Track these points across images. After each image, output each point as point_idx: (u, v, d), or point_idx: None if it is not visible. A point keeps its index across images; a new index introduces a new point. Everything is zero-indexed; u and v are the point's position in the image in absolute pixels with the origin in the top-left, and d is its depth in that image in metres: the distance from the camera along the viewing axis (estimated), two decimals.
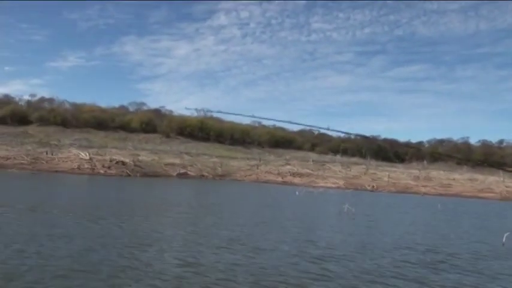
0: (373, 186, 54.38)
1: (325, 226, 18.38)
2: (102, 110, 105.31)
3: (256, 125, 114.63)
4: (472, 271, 11.02)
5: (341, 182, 55.87)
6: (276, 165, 67.35)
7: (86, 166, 49.63)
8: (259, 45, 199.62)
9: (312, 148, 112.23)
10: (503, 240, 14.92)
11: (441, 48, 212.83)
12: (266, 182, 55.46)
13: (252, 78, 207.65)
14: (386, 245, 14.06)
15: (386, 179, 59.40)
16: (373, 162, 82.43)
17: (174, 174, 53.31)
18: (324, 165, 71.78)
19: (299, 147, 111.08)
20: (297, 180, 57.36)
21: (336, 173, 64.34)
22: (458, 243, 15.34)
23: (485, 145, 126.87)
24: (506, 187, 56.12)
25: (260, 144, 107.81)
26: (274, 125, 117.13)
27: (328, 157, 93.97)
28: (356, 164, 79.87)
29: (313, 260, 10.95)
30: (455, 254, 13.04)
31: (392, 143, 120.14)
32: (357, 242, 14.21)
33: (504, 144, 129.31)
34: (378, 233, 17.02)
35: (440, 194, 52.76)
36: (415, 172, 69.22)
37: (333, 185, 53.94)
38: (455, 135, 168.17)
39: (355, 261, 11.17)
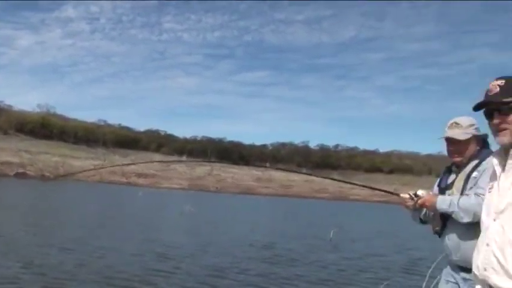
0: (217, 187, 55.49)
1: (167, 226, 18.45)
2: None
3: (102, 123, 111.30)
4: (306, 263, 11.84)
5: (185, 183, 56.29)
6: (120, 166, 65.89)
7: None
8: (109, 42, 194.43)
9: (158, 149, 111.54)
10: (331, 235, 16.21)
11: (286, 56, 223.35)
12: (110, 182, 54.09)
13: (99, 75, 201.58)
14: (228, 243, 14.51)
15: (230, 180, 60.88)
16: (218, 164, 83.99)
17: (11, 174, 49.87)
18: (169, 165, 71.66)
19: (145, 148, 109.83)
20: (141, 181, 56.76)
21: (181, 174, 64.64)
22: (294, 240, 16.33)
23: (323, 149, 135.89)
24: (339, 187, 60.37)
25: (105, 144, 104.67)
26: (119, 124, 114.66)
27: (174, 158, 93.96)
28: (201, 165, 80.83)
29: (159, 258, 10.99)
30: (291, 249, 13.87)
31: (238, 145, 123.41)
32: (199, 241, 14.46)
33: (339, 148, 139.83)
34: (219, 232, 17.48)
35: (280, 195, 55.26)
36: (258, 174, 71.73)
37: (177, 186, 54.16)
38: (297, 139, 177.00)
39: (200, 258, 11.39)
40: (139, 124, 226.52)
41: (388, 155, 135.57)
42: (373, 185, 3.97)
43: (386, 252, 15.04)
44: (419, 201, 3.25)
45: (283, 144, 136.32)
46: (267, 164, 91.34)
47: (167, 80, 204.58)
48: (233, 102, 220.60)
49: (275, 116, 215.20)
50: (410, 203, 3.30)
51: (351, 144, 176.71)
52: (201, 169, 71.82)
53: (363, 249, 15.03)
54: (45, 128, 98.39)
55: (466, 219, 3.00)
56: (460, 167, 3.29)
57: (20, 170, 51.93)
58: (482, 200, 2.70)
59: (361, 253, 14.22)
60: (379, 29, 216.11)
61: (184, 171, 66.98)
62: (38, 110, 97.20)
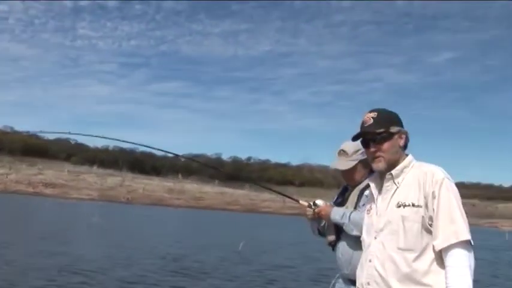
0: (128, 198, 54.51)
1: (73, 239, 17.93)
2: None
3: (8, 130, 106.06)
4: (215, 275, 11.93)
5: (95, 194, 54.86)
6: (27, 175, 63.17)
7: None
8: (18, 44, 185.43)
9: (68, 158, 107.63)
10: (240, 247, 16.44)
11: (202, 68, 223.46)
12: (15, 192, 51.66)
13: (6, 79, 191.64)
14: (138, 255, 14.37)
15: (141, 191, 59.99)
16: (130, 174, 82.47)
17: None
18: (78, 175, 69.52)
19: (54, 157, 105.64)
20: (49, 191, 54.71)
21: (91, 184, 62.94)
22: (204, 251, 16.40)
23: (236, 161, 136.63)
24: (251, 200, 61.04)
25: (11, 152, 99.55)
26: (27, 132, 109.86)
27: (84, 168, 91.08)
28: (112, 175, 78.98)
29: (64, 272, 10.69)
30: (201, 261, 13.94)
31: (150, 155, 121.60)
32: (107, 253, 14.22)
33: (252, 160, 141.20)
34: (128, 244, 17.22)
35: (192, 206, 55.12)
36: (170, 185, 71.16)
37: (87, 197, 52.69)
38: (209, 151, 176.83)
39: (109, 271, 11.20)
40: (48, 133, 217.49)
41: (300, 168, 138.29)
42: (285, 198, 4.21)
43: (295, 263, 15.46)
44: (316, 210, 3.45)
45: (195, 156, 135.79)
46: (179, 176, 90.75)
47: (79, 88, 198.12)
48: (147, 112, 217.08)
49: (188, 127, 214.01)
50: (310, 211, 3.50)
51: (263, 157, 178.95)
52: (112, 180, 70.24)
53: (271, 261, 15.33)
54: None
55: (355, 232, 3.17)
56: (354, 186, 3.48)
57: None
58: None
59: (270, 264, 14.51)
60: (294, 45, 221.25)
61: (94, 182, 65.24)
62: None
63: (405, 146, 2.60)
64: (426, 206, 2.39)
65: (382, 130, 2.52)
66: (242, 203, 60.71)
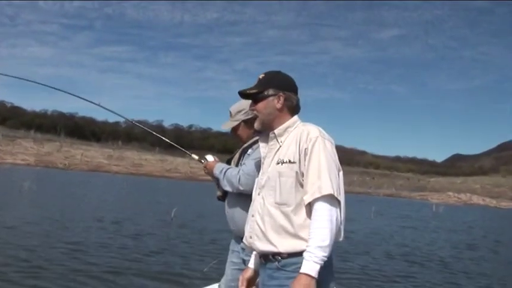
0: (65, 164, 53.72)
1: (2, 205, 17.49)
2: None
3: None
4: (150, 237, 12.39)
5: (32, 159, 53.77)
6: None
7: None
8: None
9: (3, 121, 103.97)
10: (172, 214, 16.83)
11: (148, 33, 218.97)
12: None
13: None
14: (74, 218, 14.57)
15: (79, 157, 59.18)
16: (68, 140, 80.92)
17: None
18: (14, 140, 67.71)
19: None
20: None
21: (27, 149, 61.56)
22: (139, 217, 16.78)
23: (177, 128, 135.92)
24: (191, 168, 61.25)
25: None
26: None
27: (21, 132, 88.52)
28: (50, 140, 77.26)
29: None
30: (138, 225, 14.34)
31: (90, 121, 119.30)
32: (38, 218, 14.30)
33: (193, 128, 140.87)
34: (63, 208, 17.25)
35: (131, 173, 54.92)
36: (109, 151, 70.36)
37: (22, 162, 51.59)
38: (152, 118, 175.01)
39: (53, 236, 11.30)
40: None
41: None
42: None
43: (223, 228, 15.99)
44: (203, 164, 3.63)
45: (137, 122, 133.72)
46: (120, 142, 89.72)
47: (17, 48, 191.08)
48: (89, 76, 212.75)
49: (131, 93, 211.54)
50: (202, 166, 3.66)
51: (204, 125, 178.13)
52: (50, 145, 68.84)
53: (202, 227, 15.76)
54: None
55: (227, 188, 3.38)
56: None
57: None
58: (241, 173, 3.27)
59: (199, 230, 14.97)
60: (242, 14, 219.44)
61: (31, 147, 63.80)
62: None
63: (290, 109, 2.69)
64: (299, 162, 2.49)
65: (255, 91, 2.68)
66: (182, 171, 60.89)
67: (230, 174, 3.35)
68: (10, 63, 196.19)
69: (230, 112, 3.63)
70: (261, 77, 2.72)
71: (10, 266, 7.93)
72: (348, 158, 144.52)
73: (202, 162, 3.67)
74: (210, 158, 3.67)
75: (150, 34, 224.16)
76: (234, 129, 3.61)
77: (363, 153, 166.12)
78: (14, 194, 20.72)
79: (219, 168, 3.48)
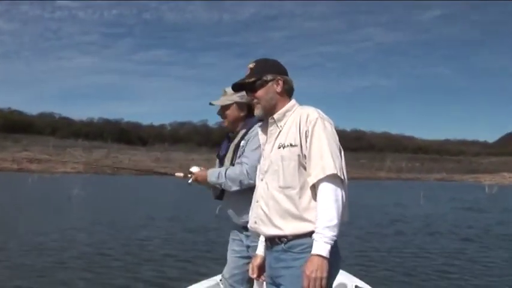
0: (114, 169, 54.68)
1: (49, 213, 17.67)
2: None
3: None
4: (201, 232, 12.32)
5: (81, 167, 54.94)
6: (11, 152, 63.09)
7: None
8: None
9: (53, 132, 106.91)
10: (217, 211, 16.63)
11: (186, 35, 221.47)
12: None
13: None
14: (125, 220, 14.70)
15: (127, 161, 60.17)
16: (115, 146, 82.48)
17: None
18: (64, 150, 69.53)
19: (39, 132, 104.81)
20: (34, 166, 54.60)
21: (77, 157, 63.01)
22: (197, 214, 16.78)
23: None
24: None
25: None
26: (9, 108, 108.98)
27: (70, 141, 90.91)
28: (98, 147, 79.00)
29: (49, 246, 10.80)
30: (195, 221, 14.34)
31: (136, 125, 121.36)
32: (87, 223, 14.44)
33: None
34: (111, 212, 17.39)
35: None
36: (156, 154, 71.31)
37: (73, 170, 52.82)
38: (196, 118, 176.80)
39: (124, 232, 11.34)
40: (32, 108, 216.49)
41: None
42: None
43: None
44: (192, 178, 3.58)
45: (181, 124, 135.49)
46: (166, 145, 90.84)
47: (62, 61, 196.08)
48: (132, 82, 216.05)
49: (174, 95, 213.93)
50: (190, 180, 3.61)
51: None
52: (98, 152, 70.38)
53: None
54: None
55: (234, 188, 3.33)
56: (234, 135, 3.59)
57: None
58: (247, 167, 3.26)
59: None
60: (279, 7, 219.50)
61: (80, 155, 65.44)
62: None
63: (288, 92, 2.71)
64: (301, 145, 2.50)
65: (253, 79, 2.68)
66: None
67: (233, 174, 3.34)
68: (59, 75, 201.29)
69: (225, 91, 3.56)
70: (252, 66, 2.73)
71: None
72: (395, 144, 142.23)
73: (189, 177, 3.63)
74: (195, 169, 3.65)
75: (188, 36, 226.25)
76: (224, 108, 3.57)
77: (411, 138, 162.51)
78: (62, 202, 21.13)
79: (214, 174, 3.46)
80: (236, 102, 3.52)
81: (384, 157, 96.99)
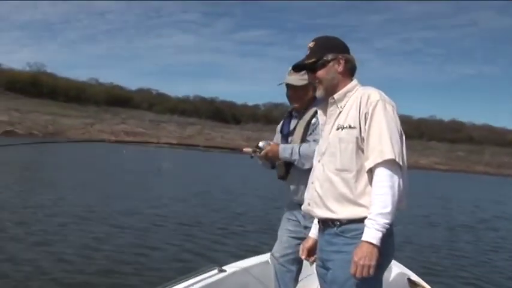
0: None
1: (136, 184, 17.76)
2: None
3: (93, 82, 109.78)
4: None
5: (174, 142, 55.69)
6: (110, 124, 65.22)
7: None
8: None
9: (150, 108, 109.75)
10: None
11: (286, 16, 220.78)
12: (99, 141, 53.24)
13: (93, 32, 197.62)
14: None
15: (219, 139, 60.45)
16: (209, 123, 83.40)
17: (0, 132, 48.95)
18: (159, 124, 71.03)
19: (137, 106, 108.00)
20: (129, 139, 56.04)
21: (171, 132, 64.22)
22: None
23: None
24: None
25: (96, 103, 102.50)
26: (111, 83, 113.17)
27: (166, 117, 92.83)
28: (192, 124, 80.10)
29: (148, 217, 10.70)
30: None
31: (230, 104, 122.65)
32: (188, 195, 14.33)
33: None
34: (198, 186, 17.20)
35: None
36: (248, 133, 71.35)
37: (166, 145, 53.61)
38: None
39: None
40: (132, 83, 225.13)
41: None
42: None
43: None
44: (262, 153, 3.37)
45: (276, 105, 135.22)
46: (259, 124, 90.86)
47: (162, 39, 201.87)
48: (230, 62, 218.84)
49: (271, 75, 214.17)
50: (259, 156, 3.41)
51: None
52: (192, 128, 71.37)
53: None
54: (36, 87, 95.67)
55: (307, 166, 3.12)
56: (300, 113, 3.44)
57: (9, 128, 50.94)
58: None
59: None
60: None
61: (174, 130, 66.59)
62: (28, 68, 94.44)
63: (350, 71, 2.60)
64: (360, 127, 2.41)
65: (313, 60, 2.57)
66: None
67: (308, 151, 3.17)
68: (158, 53, 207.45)
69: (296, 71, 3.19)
70: (311, 45, 2.63)
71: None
72: (496, 137, 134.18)
73: (258, 151, 3.41)
74: (263, 143, 3.43)
75: (288, 17, 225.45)
76: (298, 88, 3.38)
77: None
78: (150, 174, 20.94)
79: (287, 150, 3.31)
80: (311, 83, 3.04)
81: (483, 150, 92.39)
